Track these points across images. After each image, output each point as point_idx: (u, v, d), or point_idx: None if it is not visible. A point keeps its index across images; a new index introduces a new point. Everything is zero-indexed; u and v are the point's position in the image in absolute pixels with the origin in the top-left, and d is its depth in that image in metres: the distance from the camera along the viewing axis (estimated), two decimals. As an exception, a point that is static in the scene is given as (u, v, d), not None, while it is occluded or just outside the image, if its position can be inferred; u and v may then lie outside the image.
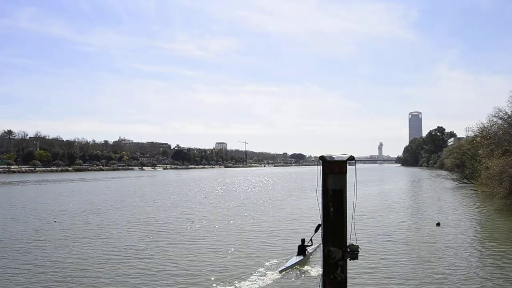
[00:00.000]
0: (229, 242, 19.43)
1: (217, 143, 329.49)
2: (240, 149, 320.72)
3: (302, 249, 15.77)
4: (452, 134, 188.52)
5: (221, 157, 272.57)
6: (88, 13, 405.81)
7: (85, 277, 13.94)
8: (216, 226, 24.18)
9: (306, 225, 22.81)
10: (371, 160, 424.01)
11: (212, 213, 30.41)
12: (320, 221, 4.28)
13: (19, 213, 30.81)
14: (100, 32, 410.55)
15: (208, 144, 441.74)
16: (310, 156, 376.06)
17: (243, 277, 13.71)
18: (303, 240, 16.02)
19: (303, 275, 13.91)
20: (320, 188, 4.22)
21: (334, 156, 4.20)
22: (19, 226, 24.77)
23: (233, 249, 17.84)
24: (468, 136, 68.12)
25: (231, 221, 26.14)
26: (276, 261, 15.58)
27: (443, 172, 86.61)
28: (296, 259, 15.23)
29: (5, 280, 13.77)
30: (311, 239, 15.92)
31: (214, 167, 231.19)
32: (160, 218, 27.76)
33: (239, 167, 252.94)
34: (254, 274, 13.91)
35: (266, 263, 15.29)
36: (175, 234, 21.88)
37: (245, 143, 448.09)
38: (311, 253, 16.00)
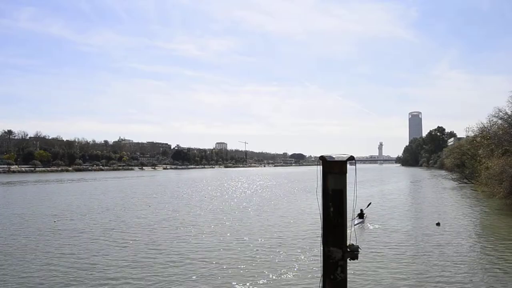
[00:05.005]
0: (228, 247, 19.43)
1: (217, 143, 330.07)
2: (240, 149, 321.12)
3: (361, 215, 24.23)
4: (452, 134, 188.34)
5: (221, 157, 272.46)
6: (88, 13, 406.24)
7: (84, 279, 13.95)
8: (216, 231, 24.17)
9: (308, 230, 22.71)
10: (371, 160, 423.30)
11: (213, 215, 30.42)
12: (320, 221, 4.28)
13: (19, 214, 30.76)
14: (100, 32, 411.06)
15: (208, 144, 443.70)
16: (310, 156, 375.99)
17: (243, 278, 13.73)
18: (361, 210, 24.31)
19: (303, 275, 13.90)
20: (320, 189, 4.22)
21: (334, 156, 4.20)
22: (18, 227, 24.75)
23: (234, 255, 17.83)
24: (468, 136, 68.19)
25: (230, 224, 26.14)
26: (275, 264, 15.57)
27: (443, 172, 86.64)
28: (358, 220, 23.37)
29: (4, 281, 13.76)
30: (361, 210, 24.36)
31: (214, 167, 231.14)
32: (158, 221, 27.74)
33: (239, 167, 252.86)
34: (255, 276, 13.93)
35: (266, 265, 15.29)
36: (177, 236, 21.87)
37: (245, 143, 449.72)
38: (365, 219, 24.52)
